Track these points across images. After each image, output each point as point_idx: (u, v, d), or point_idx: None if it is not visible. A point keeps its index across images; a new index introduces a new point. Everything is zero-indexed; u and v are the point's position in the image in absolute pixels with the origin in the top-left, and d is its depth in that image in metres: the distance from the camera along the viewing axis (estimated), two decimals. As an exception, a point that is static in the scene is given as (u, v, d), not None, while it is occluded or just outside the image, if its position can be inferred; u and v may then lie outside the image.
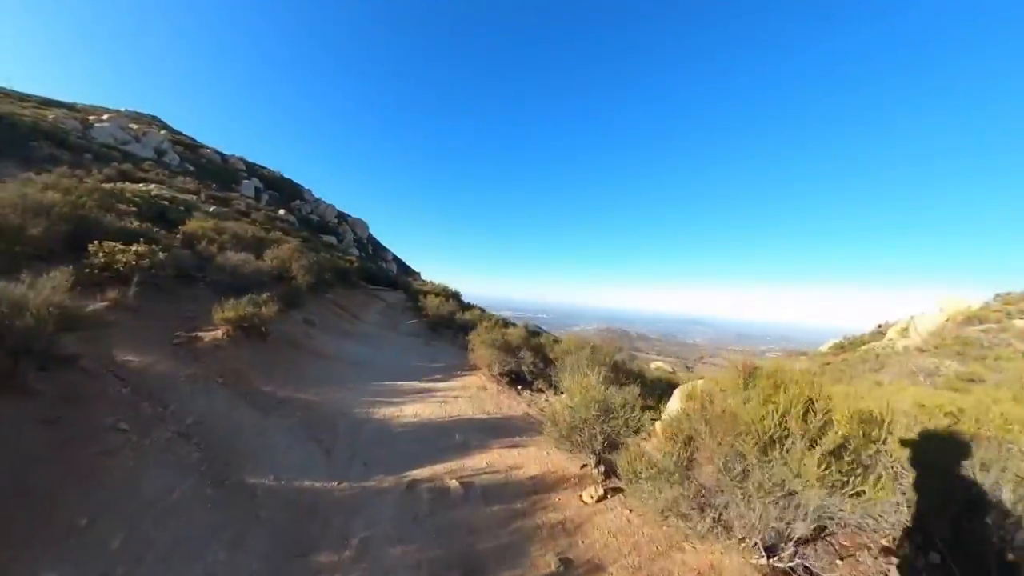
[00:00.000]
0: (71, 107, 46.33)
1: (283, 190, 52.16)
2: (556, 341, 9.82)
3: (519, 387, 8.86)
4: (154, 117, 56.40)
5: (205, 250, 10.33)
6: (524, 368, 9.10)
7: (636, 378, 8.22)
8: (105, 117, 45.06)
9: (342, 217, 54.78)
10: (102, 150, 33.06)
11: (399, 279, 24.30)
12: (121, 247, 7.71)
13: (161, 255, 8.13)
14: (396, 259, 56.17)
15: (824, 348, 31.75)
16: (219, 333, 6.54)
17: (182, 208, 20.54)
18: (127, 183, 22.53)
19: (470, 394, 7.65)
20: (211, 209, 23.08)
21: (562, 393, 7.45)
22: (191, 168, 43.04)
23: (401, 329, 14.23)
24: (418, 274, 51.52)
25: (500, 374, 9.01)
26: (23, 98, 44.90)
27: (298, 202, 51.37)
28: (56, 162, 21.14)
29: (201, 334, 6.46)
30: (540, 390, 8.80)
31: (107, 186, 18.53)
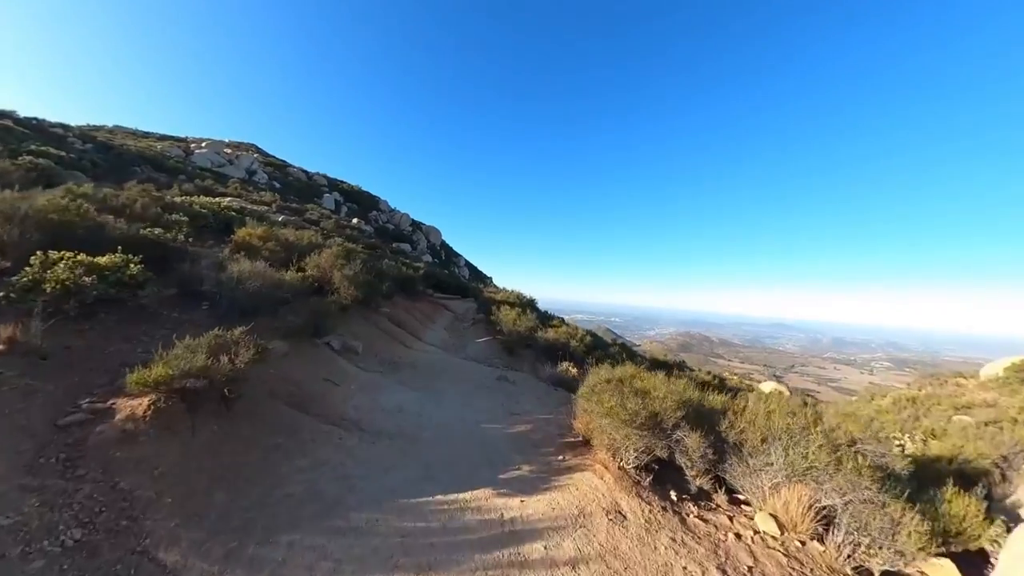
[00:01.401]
0: (178, 139, 49.69)
1: (361, 202, 52.62)
2: (736, 412, 5.21)
3: (672, 493, 4.61)
4: (251, 144, 59.62)
5: (227, 260, 8.11)
6: (683, 459, 4.84)
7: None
8: (204, 144, 47.60)
9: (416, 225, 54.13)
10: (196, 171, 34.25)
11: (469, 286, 21.67)
12: (73, 258, 5.48)
13: (134, 269, 5.82)
14: (468, 264, 54.42)
15: (998, 370, 24.62)
16: (141, 405, 3.87)
17: (248, 218, 19.57)
18: (203, 197, 22.07)
19: (597, 542, 3.54)
20: (280, 219, 21.98)
21: (767, 513, 3.90)
22: (277, 185, 44.12)
23: (469, 351, 11.28)
24: (490, 279, 49.24)
25: (637, 468, 4.85)
26: (144, 135, 48.73)
27: (375, 212, 51.45)
28: (153, 183, 22.94)
29: (117, 403, 3.83)
30: (712, 502, 4.58)
31: (170, 197, 17.63)
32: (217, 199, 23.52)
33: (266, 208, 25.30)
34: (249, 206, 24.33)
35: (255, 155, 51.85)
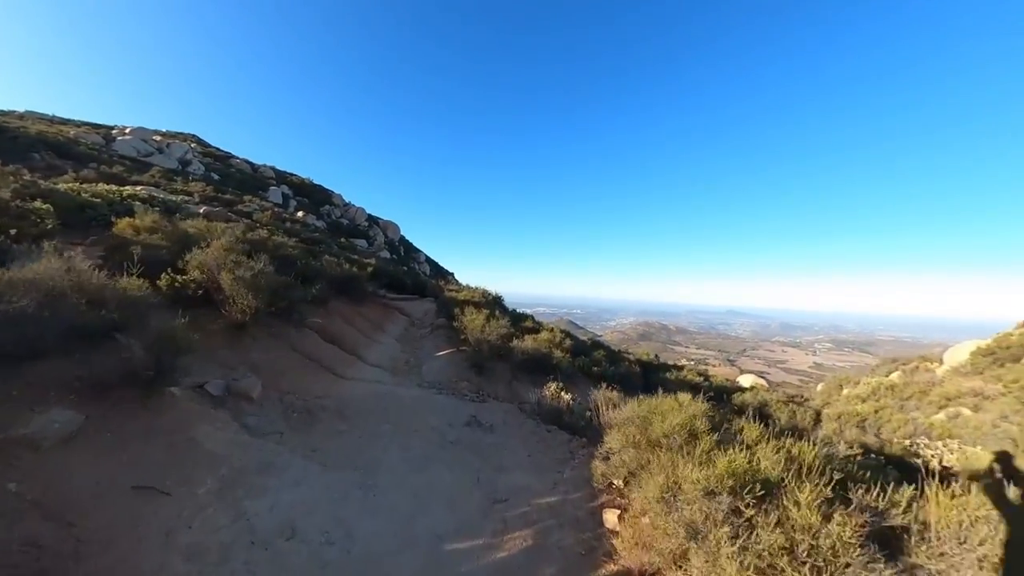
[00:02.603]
0: (101, 126, 43.68)
1: (312, 196, 48.35)
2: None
3: None
4: (191, 134, 53.90)
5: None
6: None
7: None
8: (128, 130, 41.97)
9: (373, 220, 50.25)
10: (114, 159, 29.49)
11: (429, 284, 18.74)
12: None
13: None
14: (429, 260, 51.05)
15: (964, 356, 23.99)
16: None
17: (157, 208, 16.07)
18: (106, 185, 18.17)
19: None
20: (201, 210, 18.33)
21: None
22: (216, 177, 39.32)
23: (427, 371, 8.45)
24: (452, 275, 46.15)
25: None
26: (63, 122, 42.46)
27: (328, 207, 47.29)
28: (55, 171, 20.70)
29: None
30: None
31: (50, 184, 14.05)
32: (124, 188, 19.59)
33: (187, 198, 21.41)
34: (165, 195, 20.43)
35: (192, 144, 46.49)
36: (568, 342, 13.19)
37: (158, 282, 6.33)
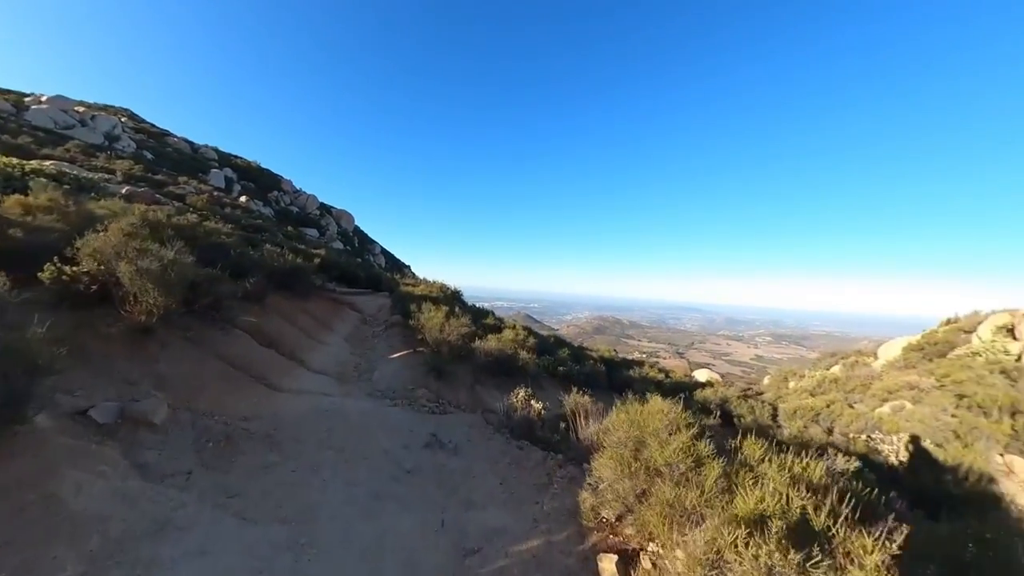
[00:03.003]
0: (7, 91, 38.69)
1: (259, 181, 45.16)
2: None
3: None
4: (123, 108, 48.95)
5: None
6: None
7: None
8: (44, 99, 37.44)
9: (325, 209, 47.64)
10: (24, 130, 25.99)
11: (383, 277, 17.49)
12: None
13: None
14: (385, 252, 49.11)
15: (897, 351, 25.34)
16: None
17: (67, 186, 14.26)
18: (8, 158, 15.70)
19: None
20: (123, 190, 16.23)
21: None
22: (149, 156, 35.76)
23: (379, 377, 7.43)
24: (408, 268, 44.59)
25: None
26: None
27: (276, 193, 44.31)
28: None
29: None
30: None
31: None
32: (29, 161, 17.07)
33: (108, 177, 19.01)
34: (79, 172, 18.00)
35: (123, 119, 42.11)
36: (532, 340, 12.52)
37: (40, 274, 5.04)
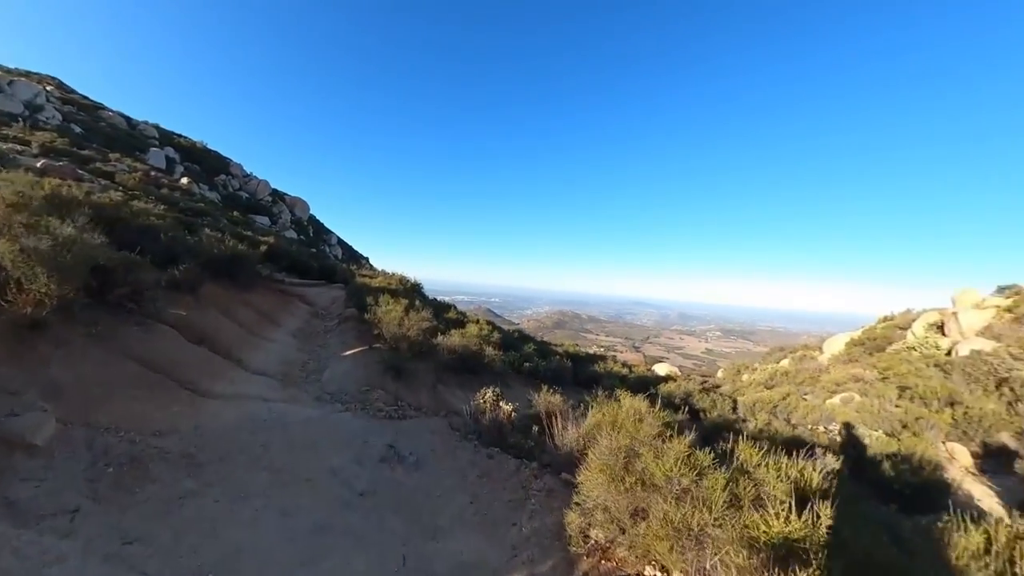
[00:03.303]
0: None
1: (205, 162, 41.99)
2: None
3: None
4: (52, 77, 44.09)
5: None
6: None
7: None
8: (-52, 60, 33.16)
9: (278, 196, 45.01)
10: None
11: (338, 268, 16.36)
12: None
13: None
14: (342, 242, 47.06)
15: (840, 346, 26.56)
16: None
17: None
18: None
19: None
20: (39, 164, 14.34)
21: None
22: (77, 129, 32.31)
23: (329, 378, 6.59)
24: (366, 260, 42.87)
25: None
26: None
27: (224, 177, 41.33)
28: None
29: None
30: None
31: None
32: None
33: (22, 148, 16.82)
34: (-17, 144, 15.81)
35: (48, 87, 37.88)
36: (496, 335, 11.96)
37: None
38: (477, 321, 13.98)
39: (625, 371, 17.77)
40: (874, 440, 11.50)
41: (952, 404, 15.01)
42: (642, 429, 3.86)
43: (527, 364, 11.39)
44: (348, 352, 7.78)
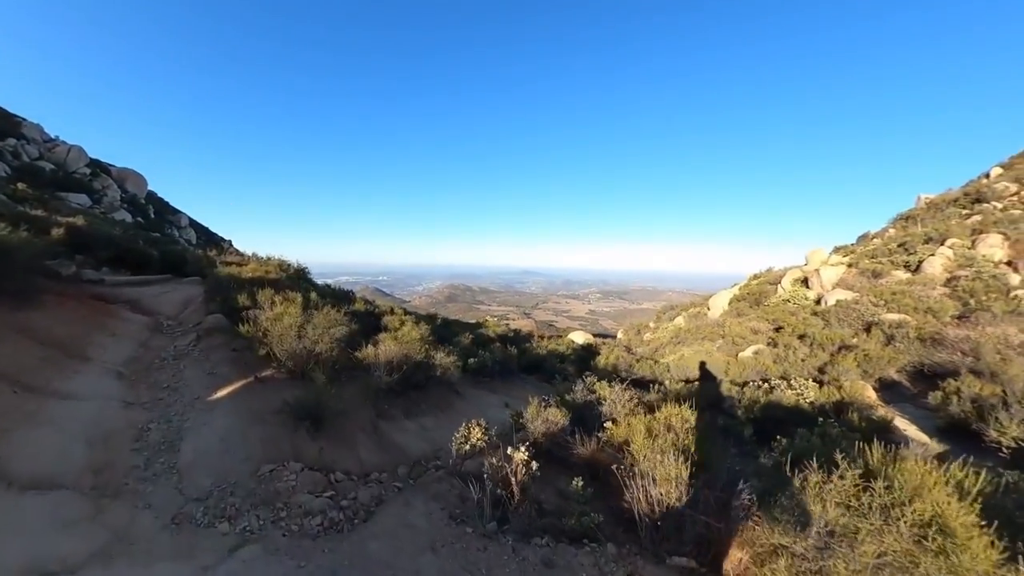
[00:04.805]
0: None
1: (-18, 122, 30.69)
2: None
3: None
4: None
5: None
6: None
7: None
8: None
9: (100, 168, 34.90)
10: None
11: (188, 255, 11.85)
12: None
13: None
14: (195, 224, 38.68)
15: (724, 302, 28.35)
16: None
17: None
18: None
19: None
20: None
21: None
22: None
23: (192, 469, 3.40)
24: (228, 243, 35.54)
25: None
26: None
27: (15, 142, 30.49)
28: None
29: None
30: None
31: None
32: None
33: None
34: None
35: None
36: (425, 328, 9.30)
37: None
38: (401, 313, 11.10)
39: (563, 348, 16.36)
40: (812, 390, 11.43)
41: (843, 348, 16.17)
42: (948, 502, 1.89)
43: (472, 360, 9.04)
44: (221, 394, 4.69)
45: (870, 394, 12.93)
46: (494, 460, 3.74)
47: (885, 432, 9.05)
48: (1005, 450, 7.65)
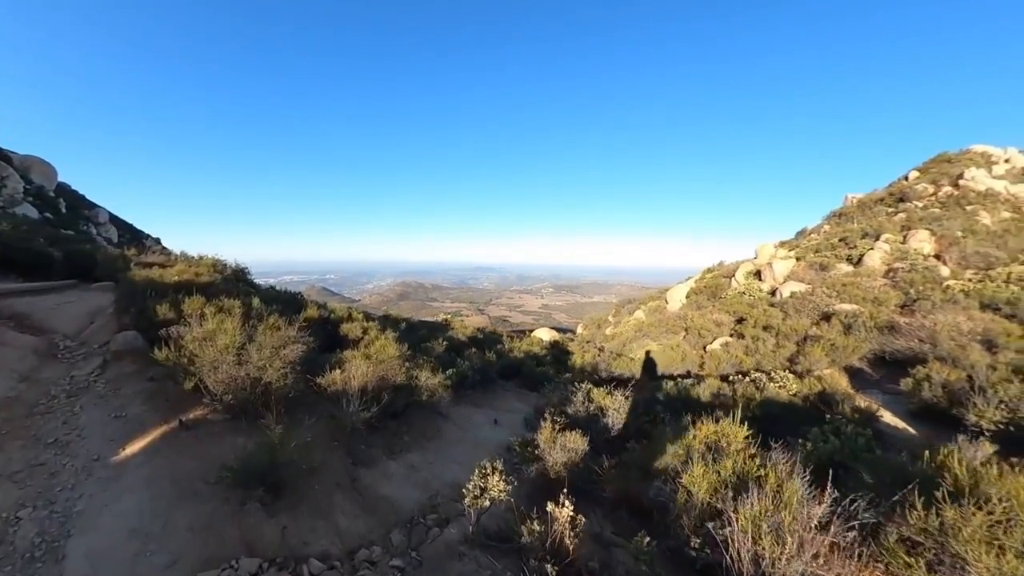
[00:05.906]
0: None
1: None
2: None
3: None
4: None
5: None
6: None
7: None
8: None
9: (-5, 156, 29.95)
10: None
11: (102, 256, 9.68)
12: None
13: None
14: (116, 220, 34.25)
15: (682, 296, 28.61)
16: None
17: None
18: None
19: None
20: None
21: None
22: None
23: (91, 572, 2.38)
24: (156, 240, 31.58)
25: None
26: None
27: None
28: None
29: None
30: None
31: None
32: None
33: None
34: None
35: None
36: (392, 333, 7.99)
37: None
38: (366, 320, 9.60)
39: (537, 349, 15.42)
40: (793, 382, 11.22)
41: (807, 338, 16.37)
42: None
43: (451, 371, 7.86)
44: (133, 449, 3.28)
45: (844, 383, 12.94)
46: (536, 526, 2.69)
47: (873, 421, 8.86)
48: (986, 432, 7.62)
